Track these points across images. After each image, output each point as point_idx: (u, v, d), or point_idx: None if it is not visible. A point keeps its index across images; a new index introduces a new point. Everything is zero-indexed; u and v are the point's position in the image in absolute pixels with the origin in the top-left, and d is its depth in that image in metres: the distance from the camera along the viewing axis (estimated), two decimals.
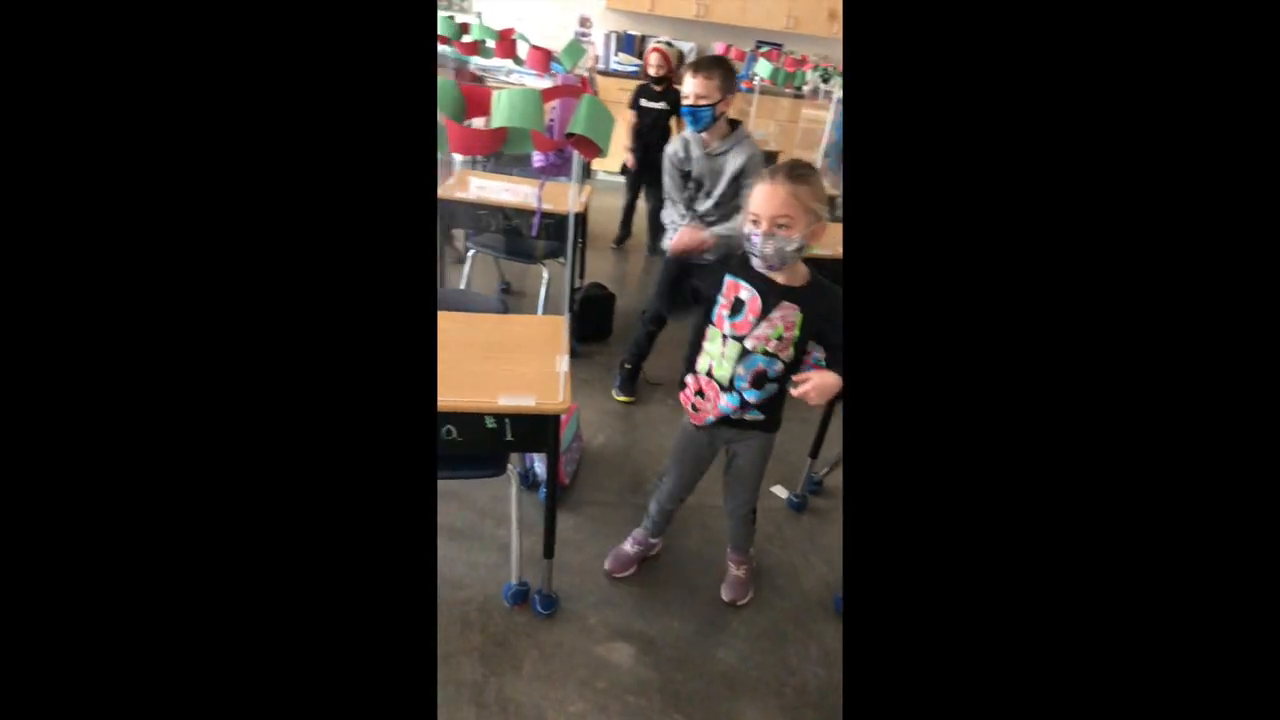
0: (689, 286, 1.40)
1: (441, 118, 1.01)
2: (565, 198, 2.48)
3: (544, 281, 2.75)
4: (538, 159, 1.37)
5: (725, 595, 1.67)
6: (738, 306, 1.31)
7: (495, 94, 0.98)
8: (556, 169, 1.49)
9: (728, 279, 1.33)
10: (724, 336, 1.34)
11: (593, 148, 1.03)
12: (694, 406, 1.43)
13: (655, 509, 1.67)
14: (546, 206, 2.42)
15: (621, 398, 2.47)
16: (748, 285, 1.30)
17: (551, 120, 1.00)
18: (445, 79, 1.02)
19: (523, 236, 2.53)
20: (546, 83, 4.63)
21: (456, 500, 1.87)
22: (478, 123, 0.98)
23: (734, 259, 1.35)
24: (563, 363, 1.43)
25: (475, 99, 1.00)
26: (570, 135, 0.99)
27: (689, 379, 1.43)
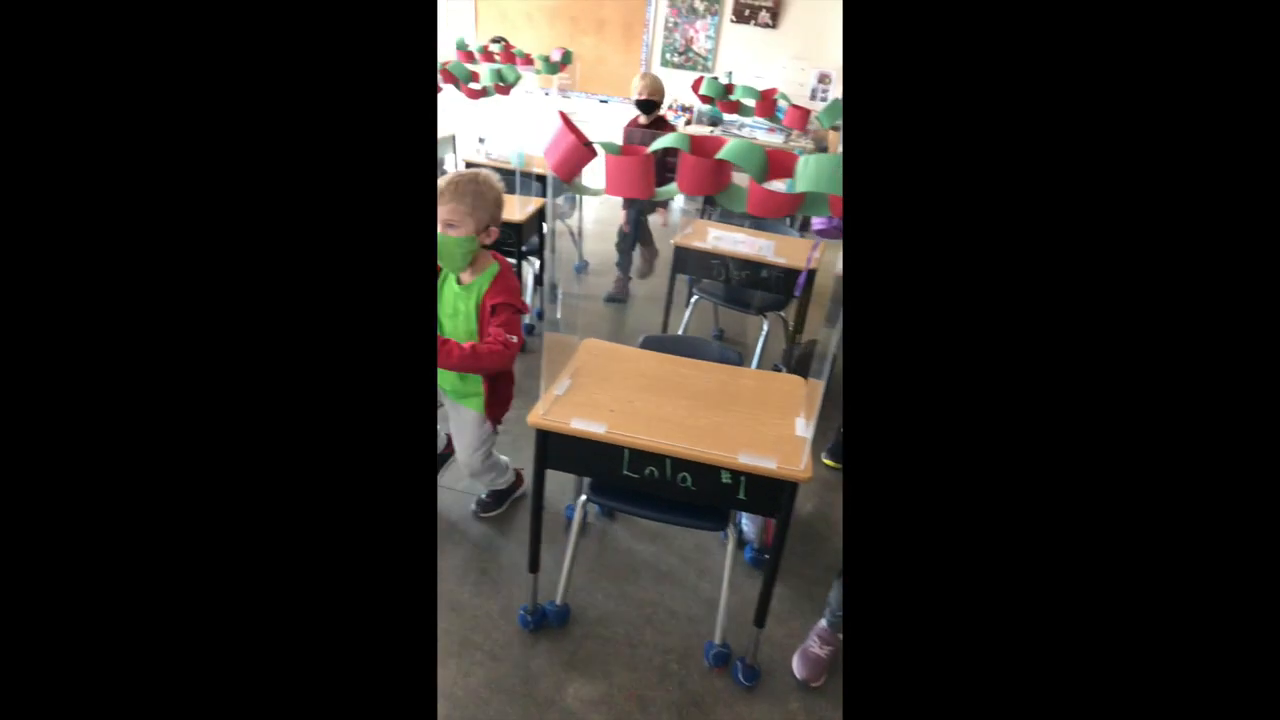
0: None
1: (744, 179, 1.03)
2: (799, 254, 2.46)
3: (762, 333, 2.73)
4: (818, 222, 1.35)
5: None
6: None
7: (802, 158, 0.98)
8: (838, 231, 1.46)
9: None
10: None
11: None
12: None
13: (837, 597, 1.50)
14: (780, 261, 2.41)
15: (830, 462, 2.34)
16: None
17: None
18: (751, 141, 1.05)
19: (731, 283, 2.55)
20: (777, 139, 4.68)
21: (662, 541, 1.89)
22: (778, 185, 0.99)
23: None
24: (806, 428, 1.38)
25: (778, 162, 1.01)
26: None
27: None
